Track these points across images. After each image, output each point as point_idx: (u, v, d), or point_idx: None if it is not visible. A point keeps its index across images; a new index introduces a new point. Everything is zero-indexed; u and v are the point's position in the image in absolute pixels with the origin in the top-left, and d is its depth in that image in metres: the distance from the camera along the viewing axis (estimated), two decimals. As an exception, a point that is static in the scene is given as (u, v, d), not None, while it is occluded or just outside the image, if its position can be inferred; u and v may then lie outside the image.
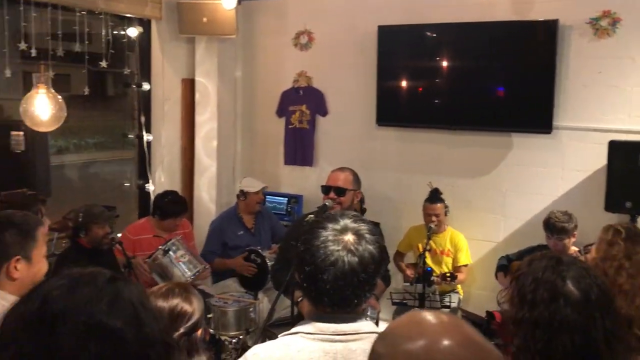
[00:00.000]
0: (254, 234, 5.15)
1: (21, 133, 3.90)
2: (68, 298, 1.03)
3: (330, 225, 1.60)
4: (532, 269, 1.59)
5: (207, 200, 5.75)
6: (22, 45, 4.52)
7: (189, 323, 2.15)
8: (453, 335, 0.97)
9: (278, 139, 5.97)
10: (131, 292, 1.09)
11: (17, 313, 1.04)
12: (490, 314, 3.49)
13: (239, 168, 6.13)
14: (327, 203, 3.42)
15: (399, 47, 5.26)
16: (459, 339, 0.97)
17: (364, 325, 1.60)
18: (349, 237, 1.58)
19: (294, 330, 1.61)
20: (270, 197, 5.81)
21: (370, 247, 1.59)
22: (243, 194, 5.08)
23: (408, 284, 4.46)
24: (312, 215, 3.25)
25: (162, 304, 2.11)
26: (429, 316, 1.03)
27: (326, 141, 5.77)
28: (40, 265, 2.12)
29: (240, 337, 3.90)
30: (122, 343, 1.02)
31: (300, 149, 5.86)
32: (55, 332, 0.99)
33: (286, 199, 5.83)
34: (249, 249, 4.84)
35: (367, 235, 1.60)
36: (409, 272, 4.81)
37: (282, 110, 5.93)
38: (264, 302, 4.42)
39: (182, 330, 2.12)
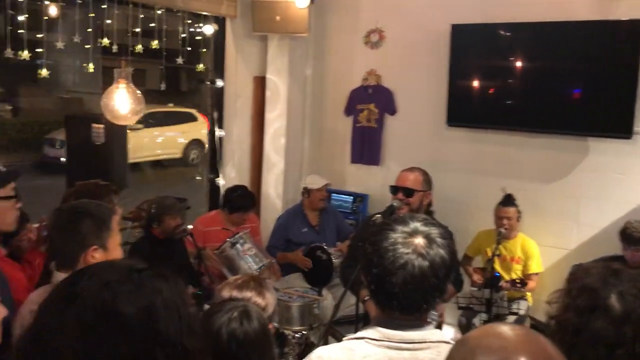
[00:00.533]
0: (318, 232, 5.19)
1: (102, 126, 4.08)
2: (92, 280, 1.06)
3: (399, 228, 1.57)
4: (585, 275, 1.53)
5: (274, 196, 5.83)
6: (105, 42, 4.73)
7: None
8: (531, 350, 0.98)
9: (345, 138, 5.98)
10: (156, 287, 1.08)
11: (56, 287, 1.10)
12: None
13: (306, 165, 6.18)
14: (394, 204, 3.40)
15: (472, 46, 5.16)
16: (537, 355, 0.97)
17: (432, 333, 1.57)
18: (419, 241, 1.55)
19: (359, 334, 1.59)
20: (336, 195, 5.83)
21: (442, 251, 1.55)
22: (306, 191, 5.15)
23: (475, 288, 4.37)
24: (379, 215, 3.24)
25: (236, 294, 2.14)
26: (509, 330, 1.03)
27: (394, 140, 5.73)
28: (115, 254, 2.17)
29: (304, 332, 3.93)
30: (129, 332, 1.02)
31: (367, 147, 5.85)
32: (71, 309, 1.02)
33: (352, 197, 5.83)
34: (315, 245, 4.88)
35: (438, 239, 1.56)
36: (476, 276, 4.72)
37: (351, 108, 5.94)
38: (328, 299, 4.44)
39: None
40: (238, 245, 4.19)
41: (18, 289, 2.51)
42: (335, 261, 4.69)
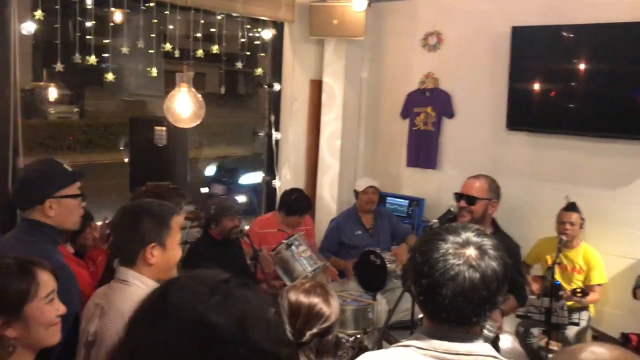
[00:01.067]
0: (372, 235, 5.17)
1: (164, 128, 4.20)
2: (182, 293, 1.08)
3: (450, 238, 1.53)
4: None
5: (329, 198, 5.85)
6: (167, 47, 4.87)
7: (324, 325, 2.16)
8: None
9: (401, 141, 5.95)
10: (244, 297, 1.10)
11: (144, 302, 1.12)
12: (625, 336, 3.24)
13: (361, 168, 6.18)
14: (451, 209, 3.35)
15: (533, 48, 5.03)
16: None
17: (480, 346, 1.52)
18: (471, 252, 1.50)
19: (406, 342, 1.57)
20: (391, 198, 5.79)
21: (494, 264, 1.50)
22: (355, 192, 5.16)
23: (534, 297, 4.25)
24: (436, 221, 3.21)
25: (303, 299, 2.15)
26: (605, 350, 1.04)
27: (451, 144, 5.66)
28: (173, 252, 2.23)
29: (358, 336, 3.92)
30: (222, 342, 1.04)
31: (423, 151, 5.79)
32: (164, 323, 1.05)
33: (407, 201, 5.78)
34: (368, 250, 4.86)
35: (491, 251, 1.52)
36: (535, 285, 4.59)
37: (407, 111, 5.89)
38: (382, 304, 4.42)
39: (315, 330, 2.13)
40: (293, 247, 4.22)
41: (82, 285, 2.61)
42: (390, 266, 4.65)
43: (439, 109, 5.67)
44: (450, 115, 5.64)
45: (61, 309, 1.85)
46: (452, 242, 1.52)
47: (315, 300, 2.17)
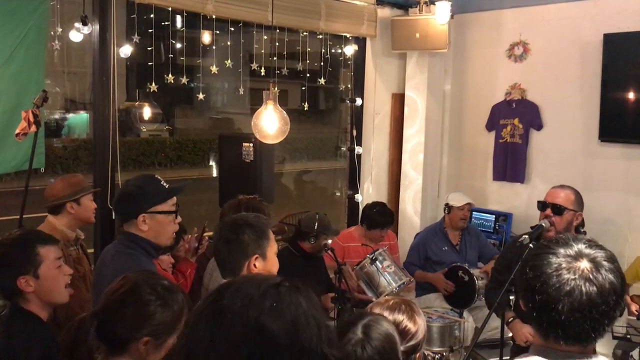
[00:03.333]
0: (459, 251, 5.06)
1: (251, 144, 4.32)
2: (235, 296, 1.09)
3: (561, 251, 1.47)
4: None
5: (412, 213, 5.80)
6: (254, 65, 5.03)
7: (410, 343, 2.13)
8: None
9: (486, 154, 5.81)
10: (296, 300, 1.10)
11: (201, 305, 1.14)
12: None
13: (445, 182, 6.08)
14: (543, 224, 3.22)
15: (627, 56, 4.79)
16: None
17: None
18: (585, 265, 1.44)
19: None
20: (477, 213, 5.66)
21: (610, 276, 1.44)
22: (448, 207, 5.04)
23: (633, 317, 4.01)
24: (526, 236, 3.10)
25: (387, 316, 2.12)
26: None
27: (540, 156, 5.47)
28: (273, 262, 2.31)
29: (444, 353, 3.85)
30: (275, 347, 1.04)
31: (510, 164, 5.63)
32: (219, 326, 1.06)
33: (494, 216, 5.63)
34: (456, 265, 4.77)
35: (605, 263, 1.45)
36: (634, 306, 4.33)
37: (493, 123, 5.76)
38: (469, 321, 4.32)
39: (401, 348, 2.07)
40: (377, 262, 4.21)
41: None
42: (479, 283, 4.54)
43: (527, 120, 5.50)
44: (539, 126, 5.45)
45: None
46: (564, 256, 1.47)
47: (401, 317, 2.14)
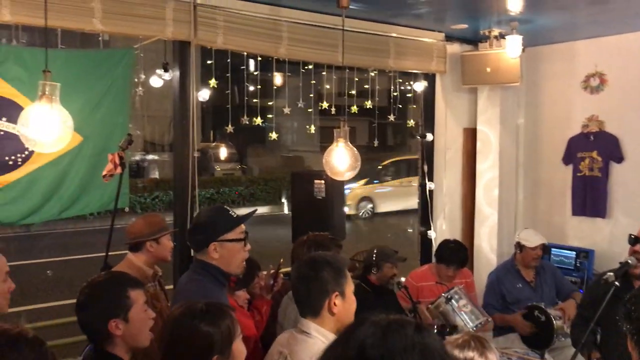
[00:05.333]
0: (534, 288, 4.86)
1: (323, 181, 4.39)
2: (383, 346, 1.08)
3: None
4: None
5: (488, 250, 5.66)
6: (324, 104, 5.14)
7: None
8: None
9: (564, 188, 5.62)
10: (436, 343, 1.10)
11: (335, 356, 1.13)
12: None
13: (521, 218, 5.92)
14: (629, 261, 3.07)
15: None
16: None
17: None
18: None
19: None
20: (556, 250, 5.45)
21: None
22: (519, 246, 4.87)
23: None
24: (611, 274, 2.97)
25: (457, 354, 2.10)
26: None
27: (622, 190, 5.24)
28: (351, 301, 2.29)
29: (526, 396, 3.68)
30: None
31: (590, 198, 5.42)
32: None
33: (574, 252, 5.40)
34: (532, 305, 4.58)
35: None
36: None
37: (570, 157, 5.58)
38: (551, 363, 4.12)
39: None
40: (453, 301, 4.11)
41: (248, 335, 2.76)
42: (557, 323, 4.34)
43: (606, 153, 5.30)
44: (619, 159, 5.24)
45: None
46: None
47: (471, 354, 2.10)
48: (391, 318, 1.15)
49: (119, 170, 3.46)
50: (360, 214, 14.11)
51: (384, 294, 4.24)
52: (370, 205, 14.69)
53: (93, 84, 3.93)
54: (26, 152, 3.71)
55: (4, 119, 3.65)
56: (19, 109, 3.47)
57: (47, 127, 2.80)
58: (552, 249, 5.45)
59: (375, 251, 4.12)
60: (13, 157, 3.68)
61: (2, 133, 3.65)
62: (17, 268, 2.33)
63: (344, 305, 2.23)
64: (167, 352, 1.93)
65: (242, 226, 2.65)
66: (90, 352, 2.26)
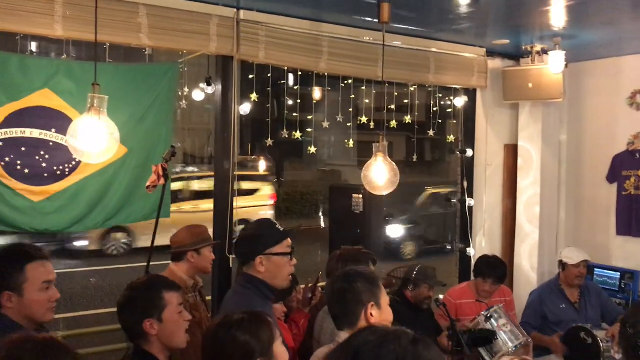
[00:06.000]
0: (578, 310, 4.74)
1: (361, 196, 4.39)
2: (376, 354, 1.09)
3: None
4: None
5: (528, 268, 5.54)
6: (363, 119, 5.15)
7: None
8: None
9: (608, 207, 5.49)
10: (432, 356, 1.10)
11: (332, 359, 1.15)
12: None
13: (563, 236, 5.79)
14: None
15: None
16: None
17: None
18: None
19: None
20: (600, 270, 5.31)
21: None
22: (562, 264, 4.77)
23: None
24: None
25: None
26: None
27: (670, 210, 5.08)
28: (387, 312, 2.31)
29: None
30: None
31: (636, 218, 5.28)
32: None
33: (619, 273, 5.25)
34: (577, 326, 4.46)
35: None
36: None
37: (614, 175, 5.45)
38: (595, 387, 4.00)
39: None
40: (493, 320, 4.02)
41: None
42: (604, 346, 4.21)
43: (653, 171, 5.16)
44: (667, 178, 5.10)
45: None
46: None
47: None
48: (391, 328, 1.17)
49: (162, 181, 3.53)
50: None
51: (419, 310, 4.21)
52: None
53: (139, 97, 4.03)
54: (73, 163, 3.82)
55: (53, 130, 3.77)
56: (68, 120, 3.58)
57: (95, 139, 2.88)
58: (596, 269, 5.31)
59: (417, 269, 4.08)
60: (61, 167, 3.79)
61: (51, 144, 3.77)
62: (58, 276, 2.40)
63: (381, 316, 2.23)
64: None
65: (289, 240, 2.65)
66: (131, 351, 2.36)
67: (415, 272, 4.06)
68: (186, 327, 2.42)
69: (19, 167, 3.68)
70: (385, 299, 2.29)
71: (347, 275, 2.31)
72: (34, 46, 4.22)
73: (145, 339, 2.31)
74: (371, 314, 2.21)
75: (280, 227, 2.70)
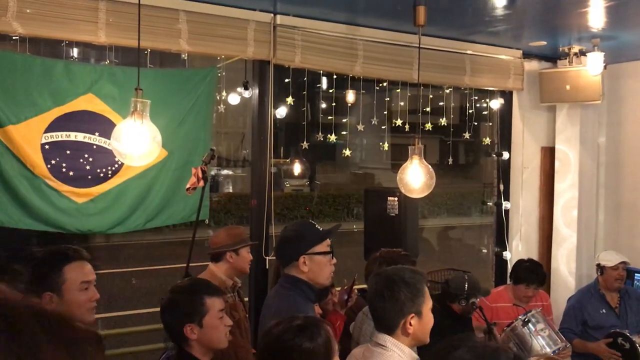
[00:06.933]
0: (618, 315, 4.66)
1: (396, 199, 4.39)
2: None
3: None
4: None
5: (566, 272, 5.46)
6: (398, 122, 5.16)
7: None
8: None
9: (649, 210, 5.37)
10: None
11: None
12: None
13: (601, 240, 5.69)
14: None
15: None
16: None
17: None
18: None
19: None
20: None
21: None
22: (599, 268, 4.69)
23: None
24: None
25: None
26: None
27: None
28: (428, 319, 2.28)
29: None
30: None
31: (678, 222, 5.15)
32: None
33: (660, 278, 5.13)
34: (615, 332, 4.38)
35: None
36: None
37: (655, 178, 5.33)
38: (635, 393, 3.92)
39: None
40: (530, 324, 3.98)
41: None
42: (644, 350, 4.14)
43: (697, 174, 5.04)
44: None
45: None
46: None
47: None
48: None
49: (201, 183, 3.60)
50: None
51: (460, 319, 4.12)
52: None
53: (179, 101, 4.12)
54: (116, 166, 3.93)
55: (97, 133, 3.88)
56: (111, 124, 3.69)
57: (138, 142, 2.96)
58: (636, 275, 5.19)
59: (467, 283, 3.92)
60: (104, 170, 3.90)
61: (95, 147, 3.88)
62: (98, 277, 2.46)
63: (420, 324, 2.23)
64: None
65: (329, 240, 2.72)
66: (175, 353, 2.42)
67: (466, 287, 3.91)
68: (226, 331, 2.46)
69: (64, 170, 3.80)
70: (427, 306, 2.27)
71: (390, 281, 2.27)
72: (75, 52, 4.34)
73: (186, 342, 2.36)
74: (410, 324, 2.21)
75: (320, 227, 2.77)
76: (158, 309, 2.51)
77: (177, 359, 2.40)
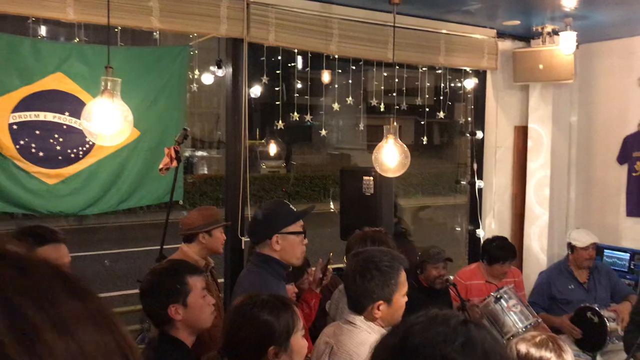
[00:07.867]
0: (587, 290, 4.77)
1: (371, 178, 4.40)
2: (425, 334, 1.10)
3: None
4: None
5: (538, 249, 5.56)
6: (374, 102, 5.16)
7: None
8: None
9: (618, 188, 5.48)
10: (483, 337, 1.11)
11: (384, 344, 1.16)
12: None
13: (573, 218, 5.80)
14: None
15: None
16: None
17: None
18: None
19: None
20: (610, 251, 5.32)
21: None
22: (570, 247, 4.79)
23: None
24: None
25: (534, 352, 2.05)
26: None
27: (681, 191, 5.07)
28: (398, 306, 2.32)
29: (577, 399, 3.62)
30: None
31: (646, 199, 5.26)
32: None
33: (628, 254, 5.26)
34: (584, 306, 4.49)
35: None
36: None
37: (625, 156, 5.44)
38: (603, 366, 4.04)
39: None
40: (502, 301, 4.06)
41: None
42: (610, 325, 4.25)
43: (664, 152, 5.15)
44: (678, 159, 5.08)
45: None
46: None
47: (548, 355, 2.03)
48: (440, 311, 1.18)
49: (174, 163, 3.56)
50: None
51: (435, 293, 4.21)
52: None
53: (151, 80, 4.05)
54: (87, 146, 3.86)
55: (66, 113, 3.81)
56: (81, 104, 3.61)
57: (109, 121, 2.92)
58: (605, 250, 5.32)
59: (419, 253, 4.13)
60: (75, 150, 3.83)
61: (65, 127, 3.81)
62: (72, 259, 2.42)
63: (388, 310, 2.27)
64: (227, 338, 2.00)
65: (301, 221, 2.77)
66: (149, 337, 2.38)
67: (418, 256, 4.09)
68: (210, 310, 2.44)
69: (33, 150, 3.72)
70: (400, 293, 2.29)
71: (364, 265, 2.28)
72: (44, 30, 4.23)
73: (170, 324, 2.32)
74: (378, 309, 2.24)
75: (294, 208, 2.81)
76: (132, 292, 2.49)
77: (159, 342, 2.35)
